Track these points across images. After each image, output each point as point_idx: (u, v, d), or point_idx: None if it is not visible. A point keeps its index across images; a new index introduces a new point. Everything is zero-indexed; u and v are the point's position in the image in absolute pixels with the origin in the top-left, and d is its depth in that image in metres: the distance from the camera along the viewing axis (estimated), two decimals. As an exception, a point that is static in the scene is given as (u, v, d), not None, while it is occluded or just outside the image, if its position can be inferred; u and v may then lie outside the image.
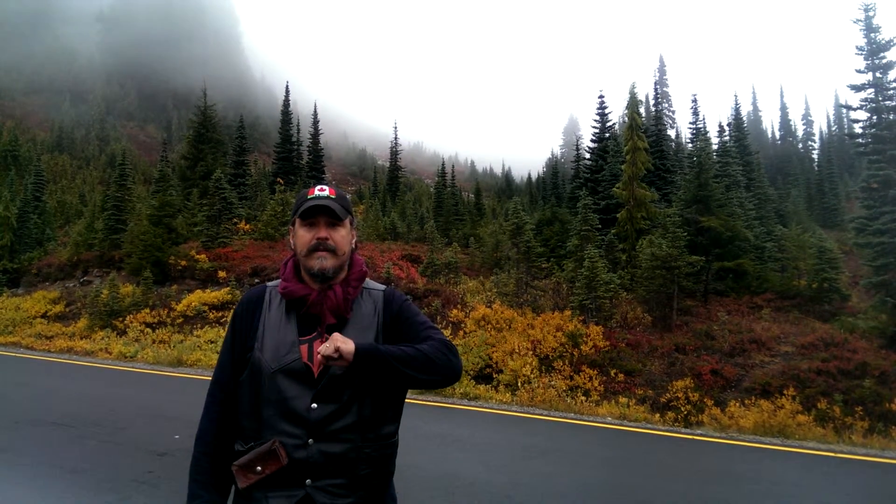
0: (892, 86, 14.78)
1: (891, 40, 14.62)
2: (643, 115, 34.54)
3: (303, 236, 1.77)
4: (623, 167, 22.22)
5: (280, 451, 1.60)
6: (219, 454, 1.74)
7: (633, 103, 23.34)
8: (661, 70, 53.52)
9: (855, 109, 15.73)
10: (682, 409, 10.13)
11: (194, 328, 16.50)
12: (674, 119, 50.22)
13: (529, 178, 73.58)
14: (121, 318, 17.59)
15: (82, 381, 11.94)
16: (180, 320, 17.26)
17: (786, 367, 11.29)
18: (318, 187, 1.81)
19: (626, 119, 23.41)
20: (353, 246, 1.87)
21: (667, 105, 49.29)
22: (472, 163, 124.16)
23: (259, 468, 1.60)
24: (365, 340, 1.70)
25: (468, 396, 10.68)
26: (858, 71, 15.10)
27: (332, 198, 1.78)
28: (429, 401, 10.00)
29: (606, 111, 30.86)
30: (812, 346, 12.24)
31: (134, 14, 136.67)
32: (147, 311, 17.95)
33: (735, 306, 16.50)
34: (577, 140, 43.78)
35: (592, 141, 31.33)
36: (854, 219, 15.26)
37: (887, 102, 14.63)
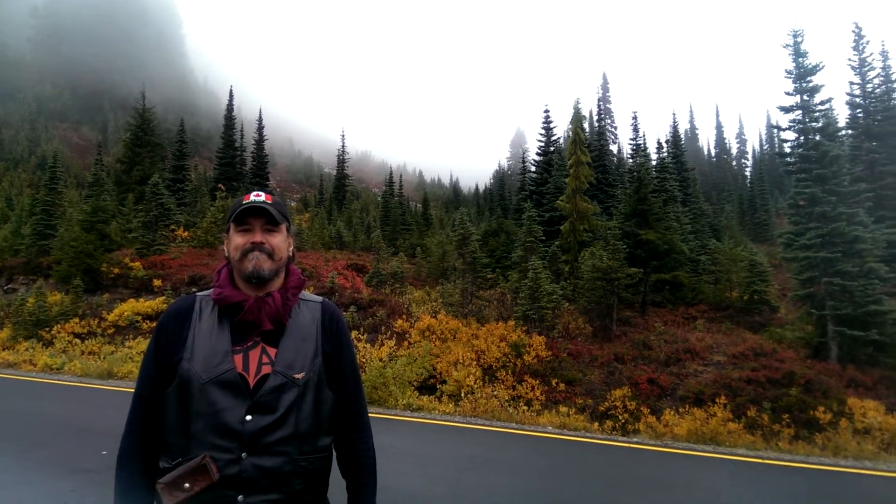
0: (818, 108, 15.56)
1: (817, 65, 15.43)
2: (587, 130, 35.50)
3: (237, 241, 1.71)
4: (567, 180, 22.69)
5: (211, 466, 1.52)
6: (143, 473, 1.65)
7: (577, 118, 23.91)
8: (605, 87, 55.07)
9: (784, 130, 16.51)
10: (620, 417, 10.35)
11: (126, 339, 15.82)
12: (616, 135, 51.75)
13: (477, 189, 74.42)
14: (47, 329, 16.71)
15: (2, 395, 11.26)
16: (112, 330, 16.53)
17: (718, 376, 11.70)
18: (255, 193, 1.76)
19: (571, 134, 23.95)
20: (291, 254, 1.82)
21: (609, 121, 50.75)
22: (421, 173, 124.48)
23: (187, 485, 1.51)
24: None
25: (411, 407, 10.61)
26: (787, 93, 15.84)
27: (268, 203, 1.73)
28: (370, 412, 9.88)
29: (552, 125, 31.51)
30: (743, 356, 12.73)
31: (71, 11, 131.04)
32: (76, 320, 17.09)
33: (671, 317, 17.05)
34: (524, 153, 44.54)
35: (538, 154, 31.90)
36: (782, 234, 15.97)
37: (813, 124, 15.38)
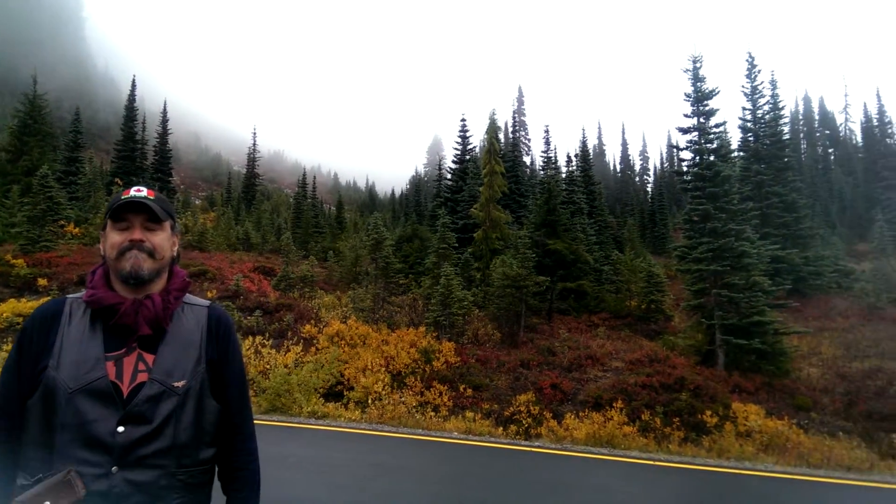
0: (713, 131, 16.72)
1: (713, 90, 16.58)
2: (502, 141, 36.28)
3: (114, 238, 1.58)
4: (481, 189, 23.10)
5: (76, 481, 1.38)
6: (2, 492, 1.49)
7: (492, 129, 24.39)
8: (520, 100, 56.32)
9: (682, 150, 17.63)
10: (524, 422, 10.59)
11: (5, 342, 14.51)
12: (529, 147, 53.11)
13: (393, 194, 74.36)
14: None
15: None
16: (-13, 333, 15.12)
17: (616, 381, 12.25)
18: (135, 188, 1.63)
19: (486, 143, 24.38)
20: (175, 254, 1.70)
21: (523, 133, 52.04)
22: (336, 175, 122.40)
23: (48, 503, 1.36)
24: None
25: (316, 415, 10.36)
26: (686, 115, 16.92)
27: (150, 198, 1.61)
28: (272, 420, 9.59)
29: (468, 134, 32.00)
30: (639, 362, 13.40)
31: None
32: (-56, 321, 15.52)
33: (575, 324, 17.70)
34: (440, 160, 44.96)
35: (454, 162, 32.27)
36: (677, 247, 16.98)
37: (708, 145, 16.51)
